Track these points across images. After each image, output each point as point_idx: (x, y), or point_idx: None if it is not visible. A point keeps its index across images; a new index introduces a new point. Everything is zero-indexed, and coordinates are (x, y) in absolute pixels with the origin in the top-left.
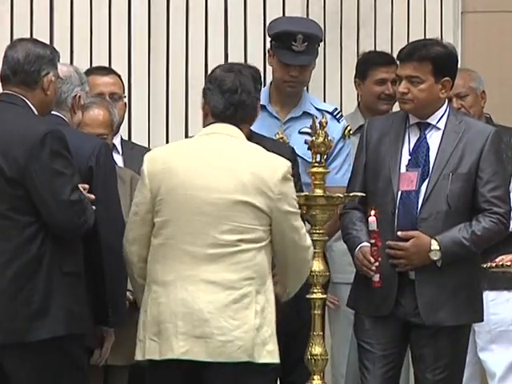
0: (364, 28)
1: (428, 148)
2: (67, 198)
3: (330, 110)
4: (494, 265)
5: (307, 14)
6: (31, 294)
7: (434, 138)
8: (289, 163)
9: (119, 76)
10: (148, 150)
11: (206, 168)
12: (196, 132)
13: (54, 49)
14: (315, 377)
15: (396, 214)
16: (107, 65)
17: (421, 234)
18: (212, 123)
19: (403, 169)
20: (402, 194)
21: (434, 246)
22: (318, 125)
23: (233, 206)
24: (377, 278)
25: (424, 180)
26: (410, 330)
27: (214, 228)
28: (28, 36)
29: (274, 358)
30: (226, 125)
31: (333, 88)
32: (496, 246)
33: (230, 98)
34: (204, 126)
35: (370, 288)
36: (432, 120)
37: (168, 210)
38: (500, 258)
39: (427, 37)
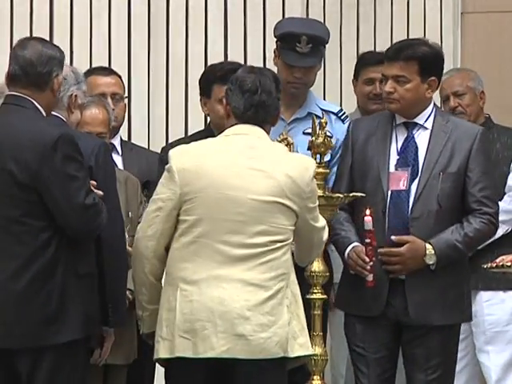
0: (364, 28)
1: (416, 147)
2: (82, 202)
3: (335, 111)
4: (494, 265)
5: (307, 14)
6: (47, 298)
7: (421, 138)
8: (314, 161)
9: (120, 77)
10: (148, 151)
11: (238, 168)
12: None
13: (61, 49)
14: (315, 377)
15: (387, 213)
16: (107, 65)
17: (415, 239)
18: (235, 124)
19: (392, 168)
20: (392, 193)
21: (429, 250)
22: (317, 125)
23: (268, 207)
24: (371, 277)
25: (414, 179)
26: (400, 331)
27: (249, 228)
28: (27, 34)
29: (307, 350)
30: (251, 126)
31: (333, 88)
32: (489, 245)
33: (249, 99)
34: (226, 127)
35: (360, 288)
36: (419, 120)
37: (200, 208)
38: (500, 258)
39: (427, 37)
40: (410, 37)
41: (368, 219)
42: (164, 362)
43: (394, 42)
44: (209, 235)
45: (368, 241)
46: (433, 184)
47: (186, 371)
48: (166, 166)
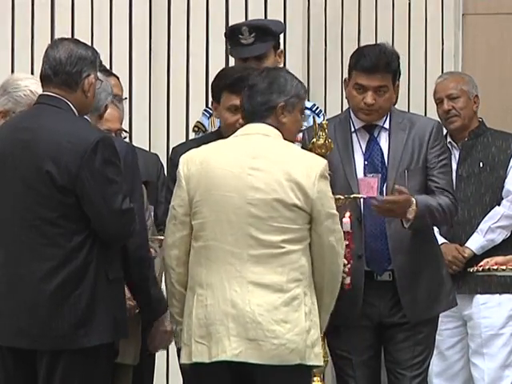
0: (365, 31)
1: (381, 150)
2: (119, 206)
3: (309, 106)
4: (481, 269)
5: (308, 16)
6: (78, 301)
7: (383, 139)
8: (325, 161)
9: (118, 78)
10: (146, 151)
11: (240, 169)
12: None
13: (95, 50)
14: (315, 378)
15: (363, 220)
16: (108, 66)
17: (410, 196)
18: (248, 123)
19: (360, 174)
20: (365, 200)
21: (413, 206)
22: (318, 126)
23: (272, 205)
24: (348, 280)
25: (384, 182)
26: (383, 331)
27: (256, 229)
28: (29, 37)
29: (320, 361)
30: (261, 124)
31: (334, 90)
32: (488, 251)
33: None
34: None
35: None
36: (379, 121)
37: (206, 211)
38: (485, 261)
39: (428, 39)
40: (411, 39)
41: (346, 221)
42: (186, 367)
43: (395, 44)
44: (217, 238)
45: (346, 243)
46: (401, 184)
47: (205, 377)
48: (177, 172)
